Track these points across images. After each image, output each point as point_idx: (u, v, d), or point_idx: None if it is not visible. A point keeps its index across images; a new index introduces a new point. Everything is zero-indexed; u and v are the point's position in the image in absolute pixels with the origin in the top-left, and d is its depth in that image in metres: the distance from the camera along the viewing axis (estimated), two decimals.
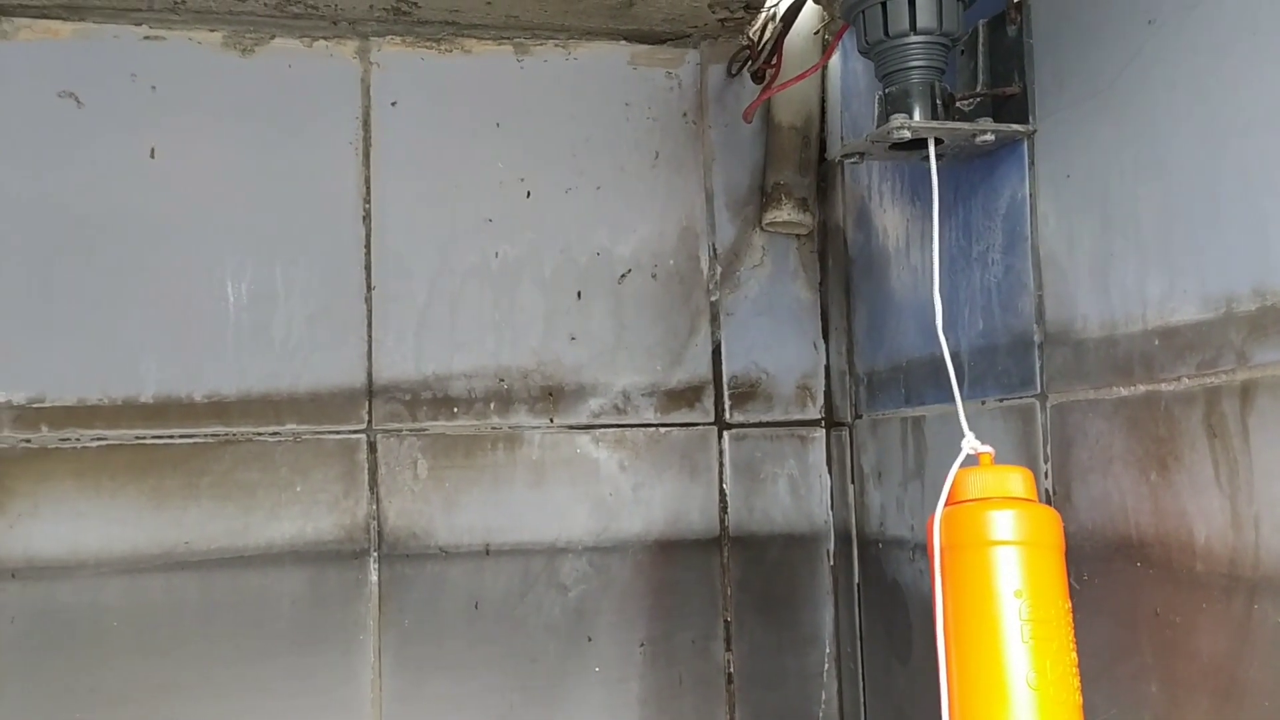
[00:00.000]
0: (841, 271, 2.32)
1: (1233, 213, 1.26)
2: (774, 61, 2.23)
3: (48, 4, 2.08)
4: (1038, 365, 1.61)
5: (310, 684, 2.12)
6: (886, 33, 1.59)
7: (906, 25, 1.57)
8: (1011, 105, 1.64)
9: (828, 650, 2.34)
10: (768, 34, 2.25)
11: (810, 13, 2.21)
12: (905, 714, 2.05)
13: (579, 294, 2.29)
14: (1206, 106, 1.29)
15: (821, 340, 2.39)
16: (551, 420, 2.27)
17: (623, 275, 2.32)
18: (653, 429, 2.31)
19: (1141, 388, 1.40)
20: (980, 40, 1.70)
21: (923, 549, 1.90)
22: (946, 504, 1.39)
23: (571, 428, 2.27)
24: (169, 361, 2.12)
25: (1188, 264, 1.32)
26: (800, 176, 2.32)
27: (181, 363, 2.12)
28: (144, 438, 2.11)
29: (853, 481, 2.27)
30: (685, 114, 2.37)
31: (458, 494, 2.21)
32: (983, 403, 1.73)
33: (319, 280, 2.19)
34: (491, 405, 2.24)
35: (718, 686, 2.30)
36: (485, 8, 2.18)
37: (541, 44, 2.31)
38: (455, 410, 2.23)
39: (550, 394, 2.27)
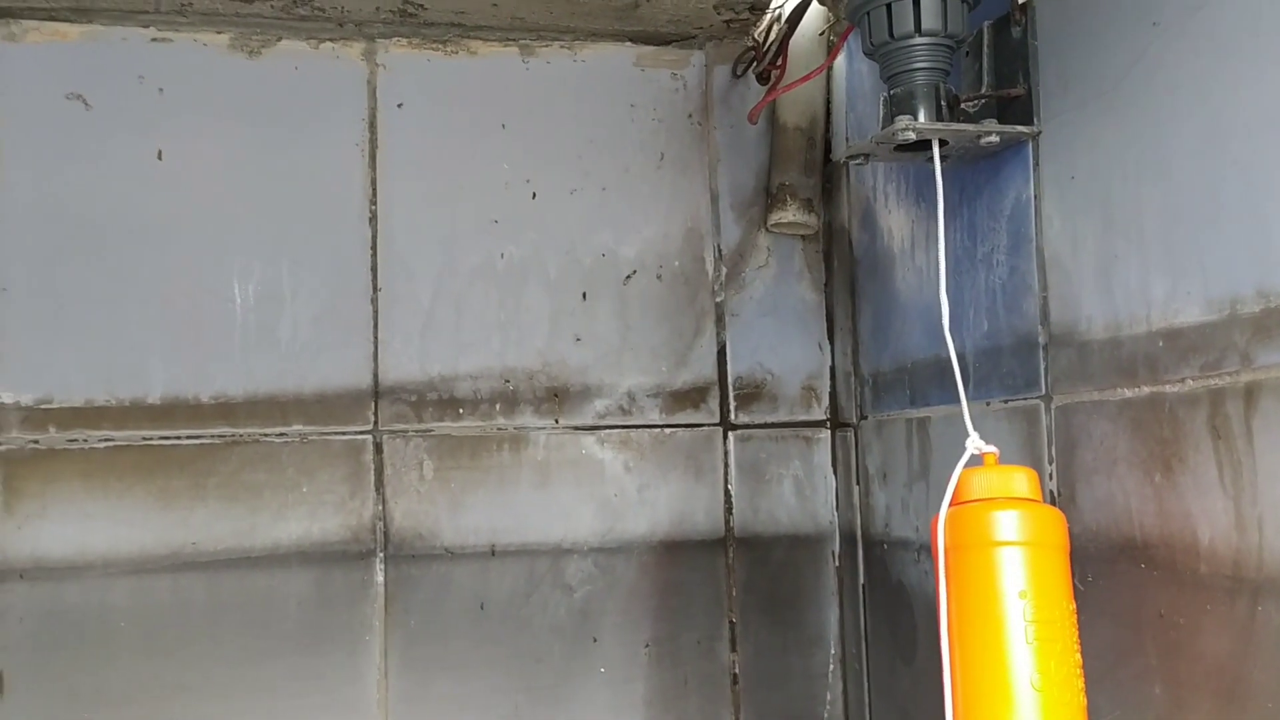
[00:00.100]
0: (846, 272, 2.32)
1: (1236, 214, 1.26)
2: (779, 63, 2.23)
3: (56, 6, 2.09)
4: (1042, 366, 1.61)
5: (316, 684, 2.13)
6: (891, 34, 1.59)
7: (911, 27, 1.57)
8: (1016, 107, 1.64)
9: (832, 651, 2.34)
10: (773, 35, 2.25)
11: (815, 14, 2.22)
12: (910, 715, 2.05)
13: (584, 295, 2.30)
14: (1209, 108, 1.30)
15: (826, 341, 2.40)
16: (557, 421, 2.27)
17: (628, 276, 2.32)
18: (658, 430, 2.31)
19: (1146, 389, 1.40)
20: (985, 42, 1.70)
21: (928, 550, 1.89)
22: (951, 504, 1.39)
23: (577, 429, 2.28)
24: (176, 363, 2.13)
25: (1191, 265, 1.32)
26: (805, 177, 2.32)
27: (188, 364, 2.13)
28: (151, 439, 2.12)
29: (858, 482, 2.27)
30: (690, 115, 2.37)
31: (463, 495, 2.22)
32: (987, 404, 1.73)
33: (325, 281, 2.20)
34: (497, 406, 2.25)
35: (723, 687, 2.30)
36: (491, 9, 2.18)
37: (547, 45, 2.32)
38: (461, 411, 2.23)
39: (555, 395, 2.27)
